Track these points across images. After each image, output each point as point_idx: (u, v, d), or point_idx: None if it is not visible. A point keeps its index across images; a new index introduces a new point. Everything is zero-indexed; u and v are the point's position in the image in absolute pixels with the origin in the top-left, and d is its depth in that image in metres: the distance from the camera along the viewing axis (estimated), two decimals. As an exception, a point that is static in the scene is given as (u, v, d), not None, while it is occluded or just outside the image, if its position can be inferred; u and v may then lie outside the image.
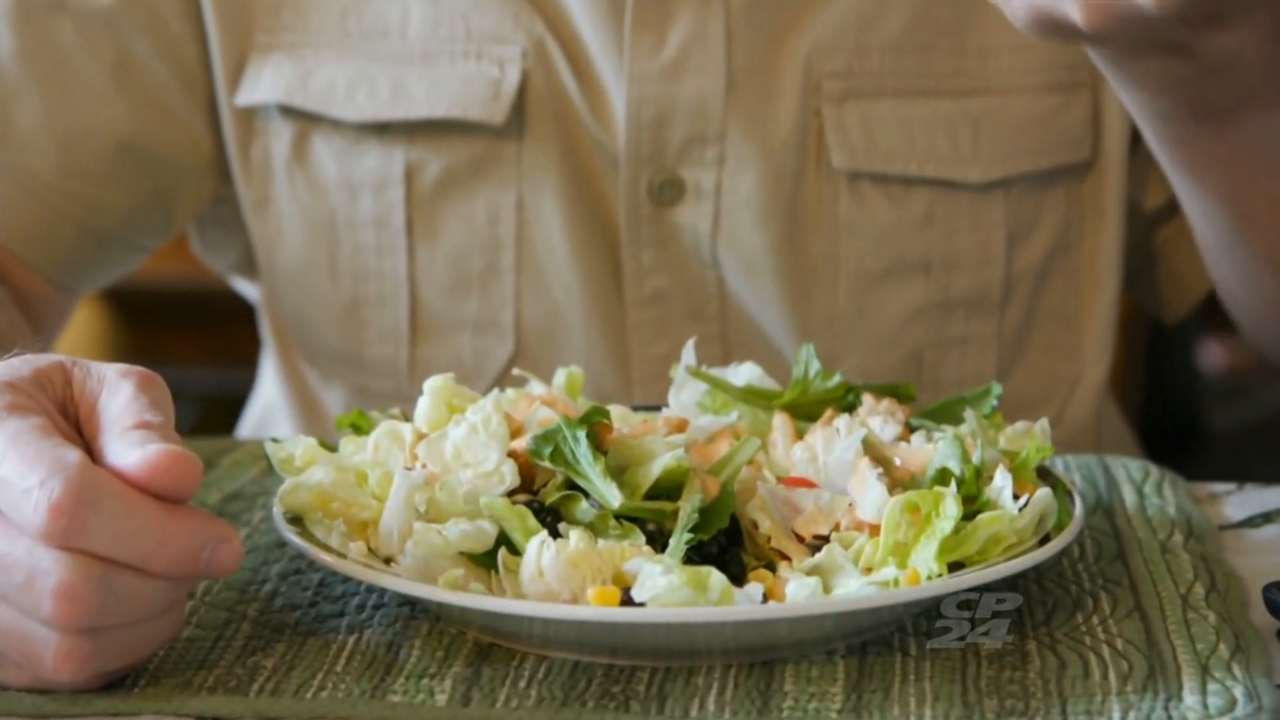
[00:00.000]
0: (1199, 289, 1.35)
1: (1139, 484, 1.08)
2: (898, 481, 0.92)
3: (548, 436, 0.90)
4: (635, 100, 1.22)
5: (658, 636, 0.84)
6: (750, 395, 1.02)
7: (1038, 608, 0.91)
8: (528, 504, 0.88)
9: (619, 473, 0.89)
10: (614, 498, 0.88)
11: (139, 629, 0.81)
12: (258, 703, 0.82)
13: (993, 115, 1.24)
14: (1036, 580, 0.94)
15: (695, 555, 0.86)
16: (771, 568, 0.89)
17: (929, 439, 0.96)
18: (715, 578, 0.82)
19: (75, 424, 0.84)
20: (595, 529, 0.87)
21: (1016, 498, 0.89)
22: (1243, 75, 0.97)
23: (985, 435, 0.96)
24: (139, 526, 0.79)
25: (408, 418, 0.99)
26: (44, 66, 1.25)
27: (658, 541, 0.87)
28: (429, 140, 1.24)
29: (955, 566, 0.86)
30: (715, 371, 1.04)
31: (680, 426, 0.95)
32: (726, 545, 0.89)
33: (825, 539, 0.89)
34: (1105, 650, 0.86)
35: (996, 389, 1.01)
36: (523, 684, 0.83)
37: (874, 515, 0.89)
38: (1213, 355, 2.22)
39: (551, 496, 0.90)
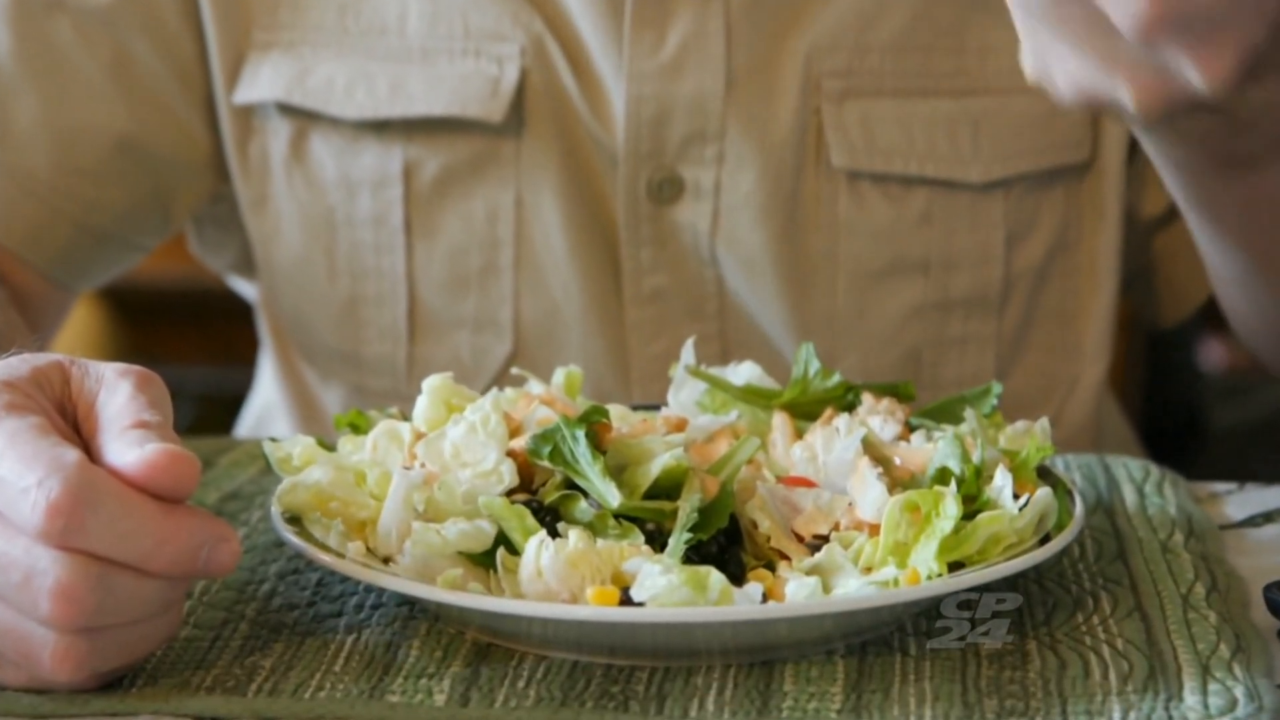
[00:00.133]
0: (1196, 296, 1.35)
1: (1139, 483, 1.08)
2: (897, 481, 0.92)
3: (547, 436, 0.90)
4: (634, 98, 1.21)
5: (657, 636, 0.83)
6: (750, 394, 1.02)
7: (1038, 607, 0.91)
8: (526, 503, 0.88)
9: (618, 472, 0.89)
10: (613, 497, 0.87)
11: (137, 629, 0.81)
12: (256, 703, 0.82)
13: (992, 115, 1.24)
14: (1037, 580, 0.93)
15: (694, 555, 0.86)
16: (771, 567, 0.89)
17: (929, 438, 0.96)
18: (714, 577, 0.82)
19: (73, 423, 0.84)
20: (594, 528, 0.87)
21: (1016, 497, 0.89)
22: (1269, 126, 0.97)
23: (985, 434, 0.95)
24: (137, 526, 0.78)
25: (406, 417, 0.99)
26: (42, 65, 1.25)
27: (657, 541, 0.87)
28: (427, 138, 1.24)
29: (955, 566, 0.86)
30: (715, 371, 1.04)
31: (679, 426, 0.95)
32: (726, 545, 0.89)
33: (825, 539, 0.89)
34: (1106, 650, 0.86)
35: (997, 388, 1.01)
36: (521, 684, 0.83)
37: (874, 515, 0.89)
38: (1214, 354, 2.22)
39: (550, 496, 0.90)
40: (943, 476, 0.90)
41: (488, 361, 1.28)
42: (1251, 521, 1.05)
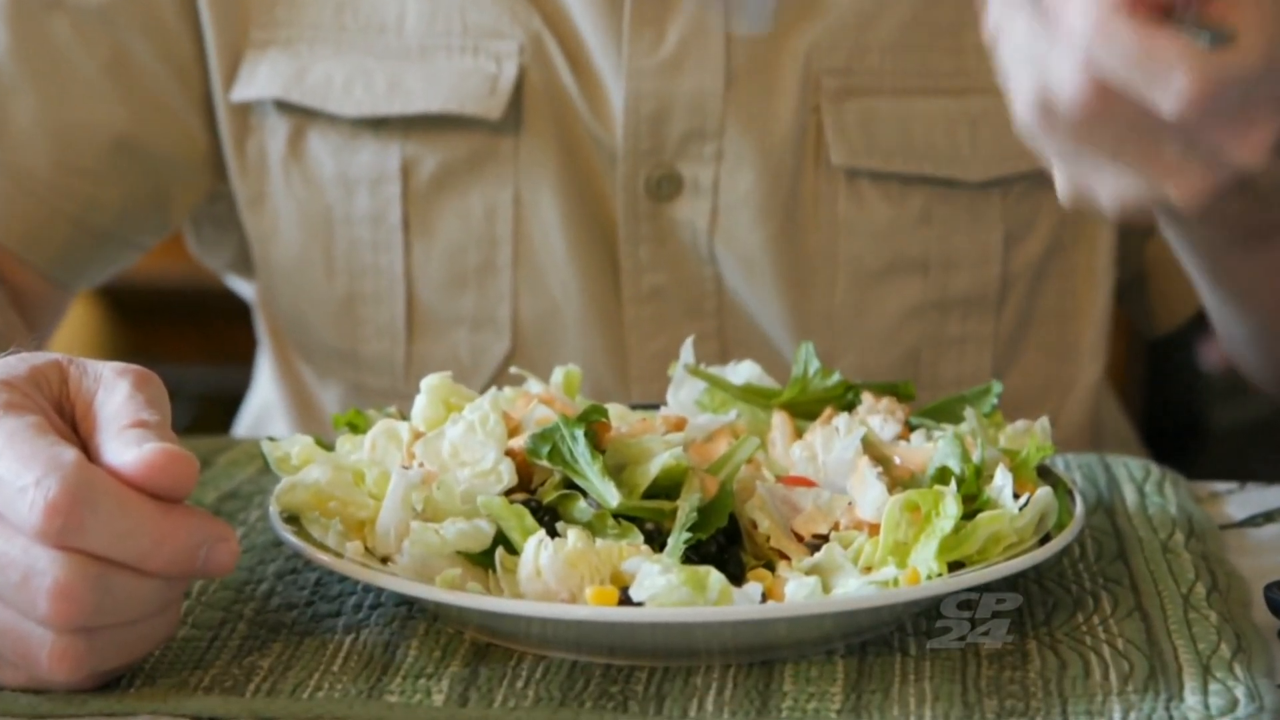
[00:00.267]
0: (1188, 308, 1.35)
1: (1140, 483, 1.08)
2: (897, 480, 0.92)
3: (546, 435, 0.90)
4: (634, 95, 1.21)
5: (656, 636, 0.83)
6: (749, 394, 1.02)
7: (1038, 607, 0.91)
8: (525, 503, 0.88)
9: (617, 471, 0.89)
10: (612, 497, 0.87)
11: (135, 629, 0.81)
12: (254, 703, 0.82)
13: (991, 115, 1.24)
14: (1037, 580, 0.93)
15: (694, 554, 0.86)
16: (770, 567, 0.89)
17: (929, 438, 0.96)
18: (714, 577, 0.82)
19: (71, 422, 0.84)
20: (593, 528, 0.87)
21: (1017, 497, 0.89)
22: None
23: (985, 434, 0.95)
24: (135, 526, 0.78)
25: (405, 416, 0.99)
26: (40, 64, 1.25)
27: (656, 541, 0.87)
28: (425, 136, 1.24)
29: (955, 566, 0.86)
30: (714, 370, 1.03)
31: (679, 425, 0.95)
32: (725, 544, 0.89)
33: (824, 538, 0.89)
34: (1106, 650, 0.86)
35: (997, 387, 1.00)
36: (520, 684, 0.83)
37: (873, 514, 0.89)
38: (1214, 354, 2.22)
39: (549, 495, 0.89)
40: (943, 476, 0.90)
41: (486, 360, 1.28)
42: (1252, 521, 1.05)
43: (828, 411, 0.99)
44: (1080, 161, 0.87)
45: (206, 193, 1.32)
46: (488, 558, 0.87)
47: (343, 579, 0.93)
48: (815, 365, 1.01)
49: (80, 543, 0.78)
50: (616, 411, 0.97)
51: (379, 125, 1.25)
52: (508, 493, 0.90)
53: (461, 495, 0.89)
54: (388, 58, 1.24)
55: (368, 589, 0.92)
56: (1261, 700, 0.80)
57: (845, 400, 1.01)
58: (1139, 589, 0.92)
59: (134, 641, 0.81)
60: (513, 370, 1.09)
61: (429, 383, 0.98)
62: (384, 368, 1.30)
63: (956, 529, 0.85)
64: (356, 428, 1.00)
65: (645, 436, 0.91)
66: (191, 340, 2.89)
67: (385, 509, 0.89)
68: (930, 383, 1.27)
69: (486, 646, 0.87)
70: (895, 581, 0.84)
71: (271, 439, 0.97)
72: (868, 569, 0.87)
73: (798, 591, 0.84)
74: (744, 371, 1.04)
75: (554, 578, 0.84)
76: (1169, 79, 0.80)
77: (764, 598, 0.84)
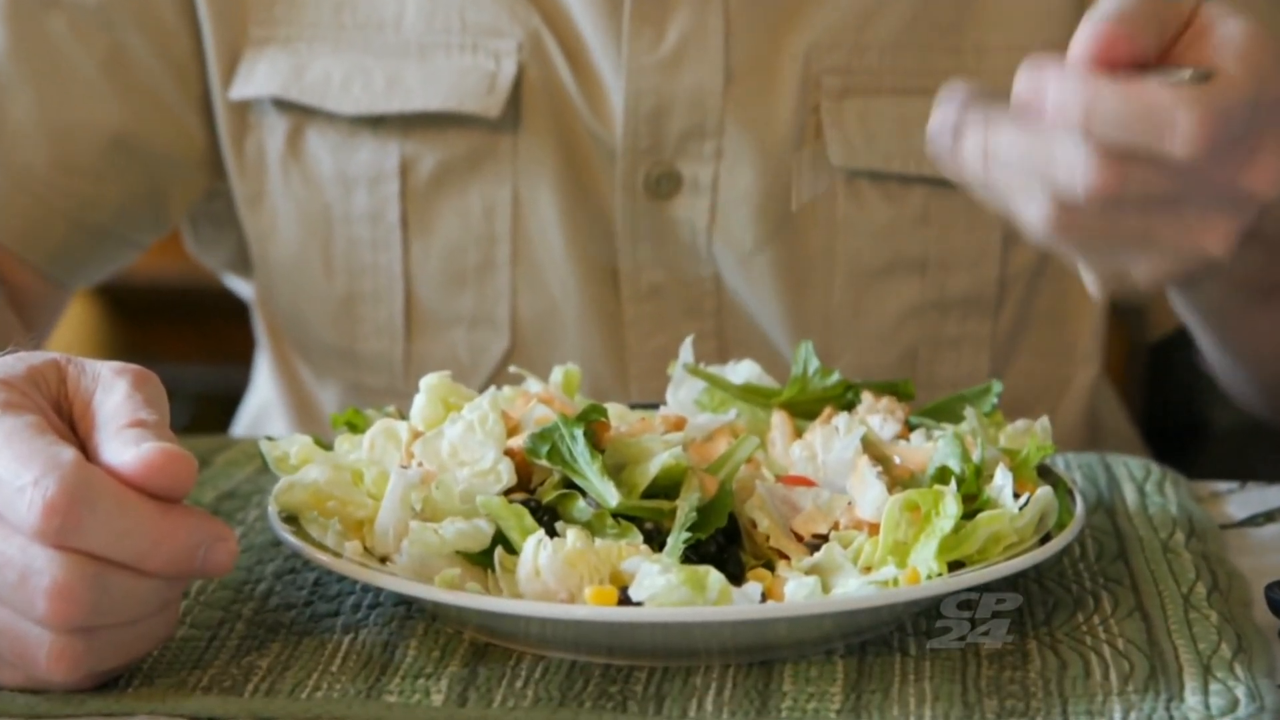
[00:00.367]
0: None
1: (1140, 482, 1.07)
2: (897, 480, 0.92)
3: (545, 435, 0.89)
4: (633, 93, 1.21)
5: (655, 636, 0.83)
6: (749, 393, 1.02)
7: (1038, 607, 0.90)
8: (524, 503, 0.88)
9: (616, 471, 0.89)
10: (611, 496, 0.87)
11: (133, 629, 0.81)
12: (252, 703, 0.81)
13: (990, 115, 1.24)
14: (1037, 579, 0.93)
15: (693, 554, 0.86)
16: (770, 567, 0.89)
17: (929, 437, 0.96)
18: (713, 577, 0.82)
19: (69, 422, 0.84)
20: (592, 528, 0.87)
21: (1017, 496, 0.89)
22: None
23: (985, 433, 0.95)
24: (134, 525, 0.78)
25: (403, 416, 0.99)
26: (37, 61, 1.25)
27: (655, 540, 0.87)
28: (424, 134, 1.24)
29: (955, 566, 0.86)
30: (713, 369, 1.03)
31: (678, 424, 0.95)
32: (725, 544, 0.88)
33: (824, 538, 0.89)
34: (1106, 650, 0.86)
35: (997, 387, 1.00)
36: (519, 684, 0.83)
37: (873, 514, 0.88)
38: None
39: (548, 495, 0.89)
40: (943, 475, 0.90)
41: (485, 358, 1.28)
42: (1253, 521, 1.05)
43: (827, 411, 0.99)
44: (1109, 250, 0.88)
45: (204, 191, 1.32)
46: (487, 557, 0.86)
47: (341, 579, 0.93)
48: (815, 364, 1.01)
49: (78, 542, 0.78)
50: (616, 411, 0.97)
51: (377, 123, 1.25)
52: (507, 492, 0.89)
53: (460, 495, 0.89)
54: (386, 55, 1.24)
55: (366, 589, 0.92)
56: (1262, 700, 0.80)
57: (845, 399, 1.01)
58: (1139, 589, 0.92)
59: (132, 641, 0.81)
60: (512, 369, 1.08)
61: (428, 382, 0.98)
62: (382, 366, 1.30)
63: (956, 529, 0.85)
64: (355, 427, 1.00)
65: (644, 436, 0.91)
66: (190, 339, 2.88)
67: (384, 509, 0.89)
68: (927, 383, 1.27)
69: (485, 646, 0.86)
70: (895, 581, 0.84)
71: (270, 438, 0.97)
72: (867, 569, 0.86)
73: (797, 591, 0.84)
74: (743, 371, 1.03)
75: (553, 577, 0.84)
76: (1174, 124, 0.81)
77: (763, 598, 0.84)
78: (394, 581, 0.85)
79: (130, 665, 0.83)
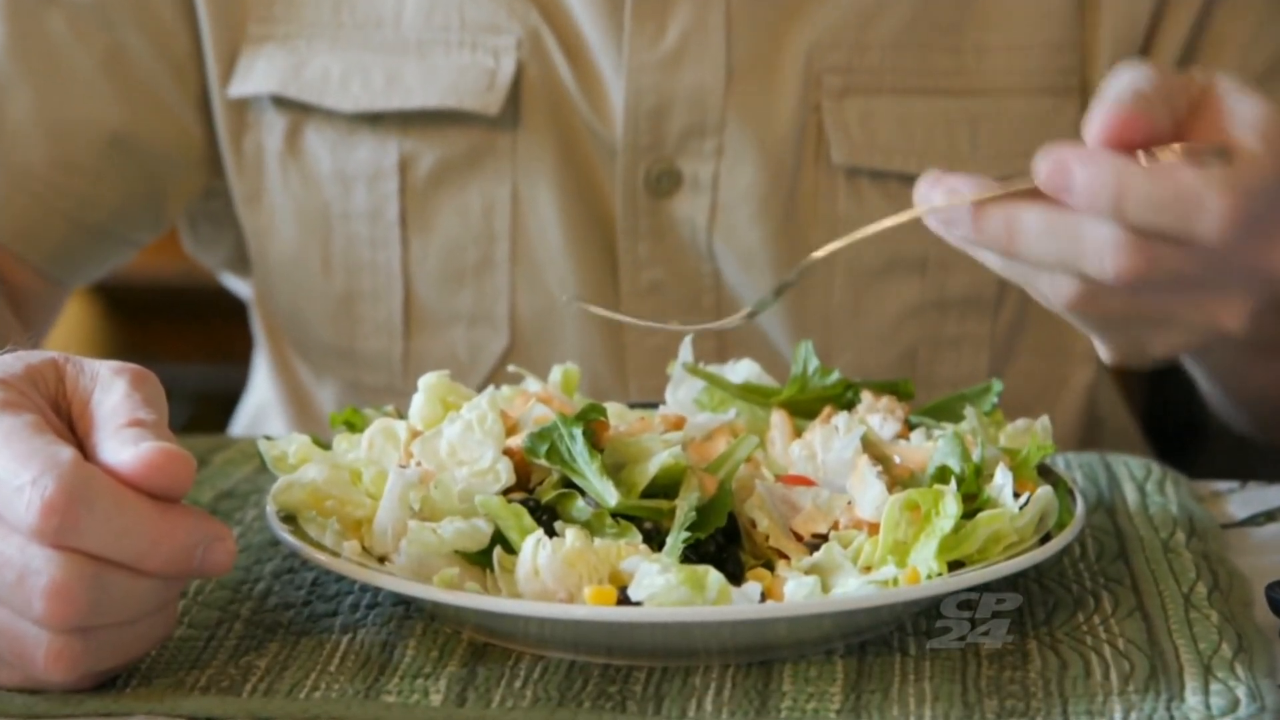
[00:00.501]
0: None
1: (1141, 482, 1.07)
2: (897, 479, 0.91)
3: (544, 434, 0.89)
4: (634, 90, 1.21)
5: (655, 636, 0.83)
6: (748, 392, 1.02)
7: (1038, 607, 0.90)
8: (523, 502, 0.88)
9: (615, 470, 0.89)
10: (610, 496, 0.87)
11: (131, 628, 0.81)
12: (251, 703, 0.81)
13: (990, 115, 1.24)
14: (1037, 579, 0.93)
15: (692, 554, 0.86)
16: (770, 566, 0.89)
17: (929, 436, 0.96)
18: (713, 577, 0.82)
19: (68, 421, 0.83)
20: (591, 527, 0.87)
21: (1017, 496, 0.88)
22: None
23: (985, 433, 0.95)
24: (132, 525, 0.78)
25: (402, 415, 0.98)
26: (35, 59, 1.24)
27: (655, 540, 0.86)
28: (423, 131, 1.24)
29: (955, 565, 0.86)
30: (713, 368, 1.03)
31: (677, 424, 0.95)
32: (724, 544, 0.88)
33: (824, 537, 0.89)
34: (1107, 650, 0.85)
35: (997, 386, 1.00)
36: (518, 684, 0.83)
37: (873, 513, 0.88)
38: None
39: (547, 495, 0.89)
40: (943, 475, 0.89)
41: (484, 356, 1.28)
42: (1253, 520, 1.05)
43: (827, 410, 0.99)
44: (1130, 327, 0.88)
45: (203, 189, 1.32)
46: (485, 557, 0.86)
47: (340, 578, 0.93)
48: (814, 364, 1.01)
49: (77, 542, 0.77)
50: (615, 410, 0.97)
51: (376, 121, 1.25)
52: (506, 492, 0.89)
53: (459, 494, 0.89)
54: (385, 53, 1.24)
55: (365, 588, 0.92)
56: (1263, 700, 0.80)
57: (844, 399, 1.01)
58: (1140, 588, 0.92)
59: (130, 641, 0.81)
60: (511, 368, 1.08)
61: (427, 381, 0.98)
62: (381, 365, 1.30)
63: (956, 528, 0.85)
64: (354, 426, 1.00)
65: (644, 435, 0.91)
66: (188, 339, 2.88)
67: (382, 508, 0.89)
68: (926, 382, 1.27)
69: (484, 646, 0.86)
70: (895, 581, 0.84)
71: (268, 438, 0.96)
72: (867, 568, 0.86)
73: (797, 591, 0.84)
74: (743, 370, 1.03)
75: (552, 577, 0.84)
76: (1204, 207, 0.82)
77: (763, 597, 0.84)
78: (392, 581, 0.85)
79: (128, 665, 0.83)
